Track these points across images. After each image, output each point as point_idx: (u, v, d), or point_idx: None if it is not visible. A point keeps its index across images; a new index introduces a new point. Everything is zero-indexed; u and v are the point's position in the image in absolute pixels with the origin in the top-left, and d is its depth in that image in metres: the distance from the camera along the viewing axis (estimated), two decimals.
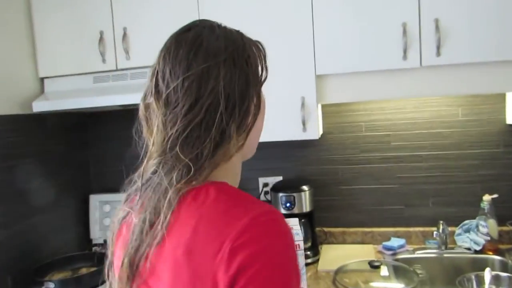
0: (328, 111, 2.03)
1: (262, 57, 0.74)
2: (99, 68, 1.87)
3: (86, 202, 2.18)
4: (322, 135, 2.03)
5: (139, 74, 1.85)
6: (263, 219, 0.60)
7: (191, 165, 0.65)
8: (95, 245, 2.14)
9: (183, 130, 0.65)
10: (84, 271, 1.83)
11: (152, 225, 0.65)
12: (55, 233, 1.98)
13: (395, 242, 1.90)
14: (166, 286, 0.63)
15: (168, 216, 0.63)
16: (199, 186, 0.66)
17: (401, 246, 1.89)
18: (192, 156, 0.65)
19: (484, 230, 1.77)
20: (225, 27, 0.73)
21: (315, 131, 1.75)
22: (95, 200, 2.18)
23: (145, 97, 0.71)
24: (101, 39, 1.85)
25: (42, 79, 1.96)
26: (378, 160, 2.00)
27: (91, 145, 2.28)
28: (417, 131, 1.95)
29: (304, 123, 1.73)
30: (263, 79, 0.73)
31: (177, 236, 0.63)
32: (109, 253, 0.74)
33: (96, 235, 2.17)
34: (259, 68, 0.73)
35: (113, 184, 2.24)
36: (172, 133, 0.66)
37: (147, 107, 0.71)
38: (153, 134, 0.69)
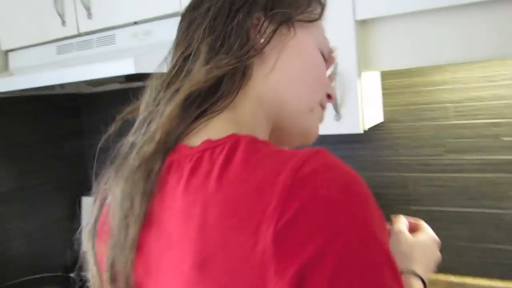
0: (390, 85, 1.28)
1: None
2: (60, 33, 1.42)
3: (75, 205, 1.77)
4: (382, 124, 1.30)
5: (105, 39, 1.34)
6: (309, 168, 0.38)
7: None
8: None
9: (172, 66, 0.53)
10: None
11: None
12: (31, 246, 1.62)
13: None
14: None
15: (143, 205, 0.46)
16: (185, 151, 0.47)
17: None
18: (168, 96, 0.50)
19: None
20: None
21: (355, 120, 1.07)
22: (89, 202, 1.77)
23: None
24: None
25: (6, 53, 1.57)
26: (477, 167, 1.21)
27: (87, 134, 1.87)
28: None
29: (336, 108, 1.05)
30: (301, 10, 0.54)
31: (173, 238, 0.43)
32: (89, 256, 0.52)
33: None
34: None
35: None
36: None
37: None
38: None
